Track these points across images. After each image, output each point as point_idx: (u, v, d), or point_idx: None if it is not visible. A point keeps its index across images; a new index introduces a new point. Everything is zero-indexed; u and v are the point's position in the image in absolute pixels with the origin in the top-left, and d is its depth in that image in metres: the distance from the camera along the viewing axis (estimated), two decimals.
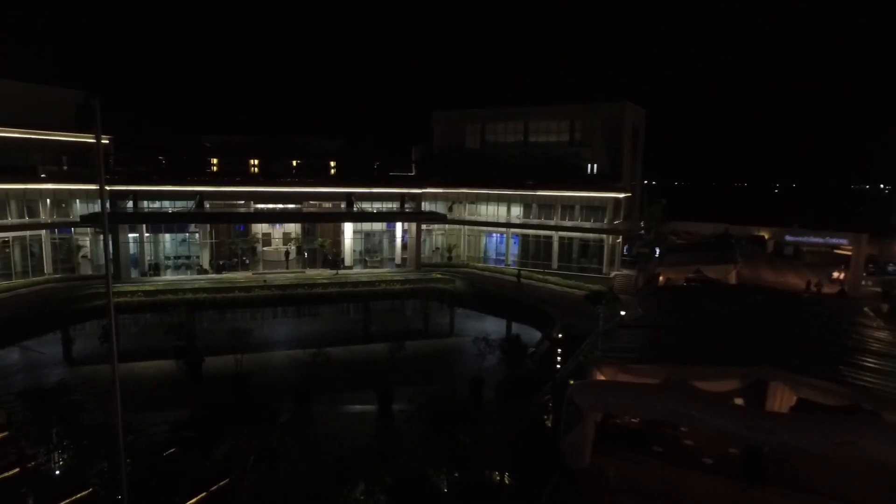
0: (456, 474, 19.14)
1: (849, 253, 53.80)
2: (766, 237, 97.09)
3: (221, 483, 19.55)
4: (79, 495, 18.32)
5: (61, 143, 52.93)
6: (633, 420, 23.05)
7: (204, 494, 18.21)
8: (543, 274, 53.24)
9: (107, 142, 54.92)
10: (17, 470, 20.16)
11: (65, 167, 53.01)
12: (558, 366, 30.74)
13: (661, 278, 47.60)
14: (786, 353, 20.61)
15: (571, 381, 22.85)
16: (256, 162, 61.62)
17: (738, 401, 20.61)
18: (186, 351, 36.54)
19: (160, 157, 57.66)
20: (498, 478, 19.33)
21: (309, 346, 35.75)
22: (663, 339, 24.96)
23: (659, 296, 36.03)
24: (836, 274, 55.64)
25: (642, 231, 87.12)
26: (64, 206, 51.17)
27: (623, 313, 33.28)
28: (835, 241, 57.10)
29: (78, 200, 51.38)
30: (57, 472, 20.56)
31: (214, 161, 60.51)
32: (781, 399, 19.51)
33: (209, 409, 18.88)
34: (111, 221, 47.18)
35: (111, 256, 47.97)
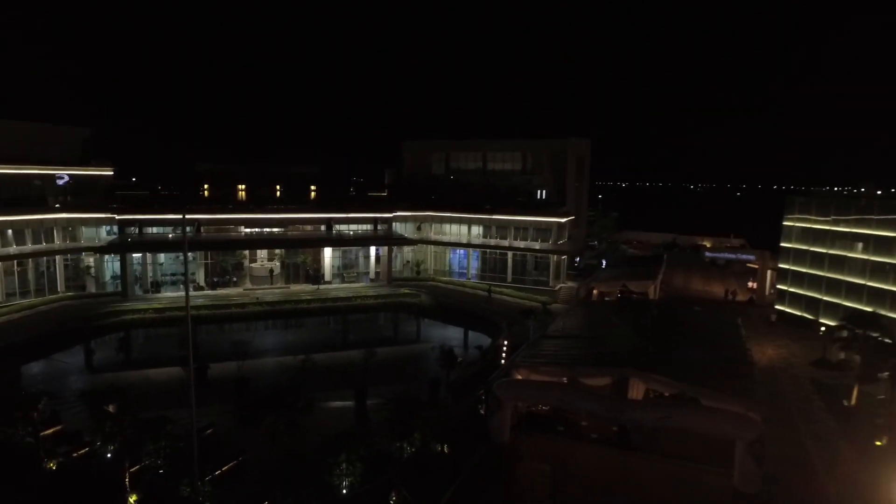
0: (412, 448, 27.09)
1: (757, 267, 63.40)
2: (708, 245, 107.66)
3: (239, 458, 27.29)
4: (135, 468, 25.54)
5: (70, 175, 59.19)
6: (543, 408, 31.31)
7: (234, 462, 25.85)
8: (500, 287, 61.55)
9: (110, 173, 61.41)
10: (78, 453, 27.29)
11: (68, 197, 59.19)
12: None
13: (594, 292, 56.22)
14: (644, 356, 29.13)
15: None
16: (244, 187, 68.54)
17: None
18: (193, 358, 43.65)
19: (159, 187, 64.21)
20: (440, 448, 27.34)
21: (296, 353, 43.40)
22: (570, 347, 33.31)
23: (582, 310, 44.45)
24: (750, 283, 65.27)
25: (594, 243, 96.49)
26: (71, 229, 57.52)
27: (561, 323, 41.55)
28: (745, 256, 66.68)
29: (83, 227, 57.78)
30: (108, 455, 27.62)
31: (206, 186, 67.24)
32: (637, 390, 28.00)
33: (254, 399, 26.90)
34: (127, 249, 53.90)
35: (136, 277, 54.57)
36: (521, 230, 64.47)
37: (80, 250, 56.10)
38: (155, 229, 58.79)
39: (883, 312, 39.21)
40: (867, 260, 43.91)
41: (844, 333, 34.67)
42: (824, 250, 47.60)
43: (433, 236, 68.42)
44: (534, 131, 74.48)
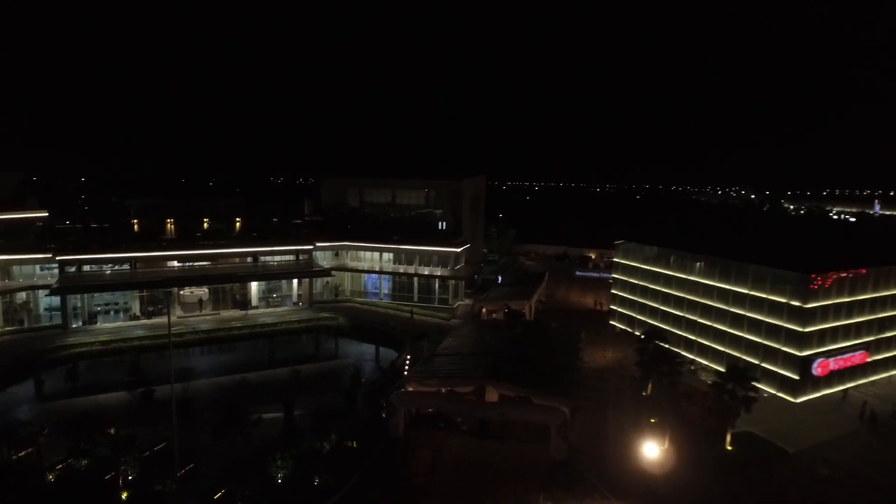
0: (329, 446, 37.16)
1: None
2: (593, 257, 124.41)
3: (190, 466, 36.13)
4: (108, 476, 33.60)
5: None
6: (429, 410, 42.39)
7: (190, 466, 34.78)
8: (409, 305, 72.21)
9: (45, 214, 65.97)
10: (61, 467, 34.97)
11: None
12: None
13: (483, 310, 68.51)
14: (497, 369, 40.94)
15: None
16: (172, 220, 74.71)
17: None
18: (137, 384, 50.89)
19: (93, 225, 69.16)
20: (351, 444, 37.68)
21: (231, 374, 51.75)
22: (449, 363, 44.66)
23: (467, 329, 56.21)
24: None
25: (494, 257, 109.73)
26: (8, 269, 61.94)
27: (449, 341, 52.75)
28: (605, 275, 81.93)
29: (21, 266, 62.39)
30: (81, 470, 35.32)
31: (135, 221, 72.86)
32: (492, 394, 39.74)
33: (221, 417, 35.99)
34: (72, 291, 59.40)
35: (91, 314, 59.88)
36: (425, 257, 75.68)
37: (21, 289, 60.78)
38: (91, 266, 64.30)
39: (667, 328, 54.29)
40: (661, 290, 58.90)
41: (644, 341, 48.49)
42: (636, 282, 62.52)
43: (350, 263, 78.11)
44: (436, 172, 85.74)
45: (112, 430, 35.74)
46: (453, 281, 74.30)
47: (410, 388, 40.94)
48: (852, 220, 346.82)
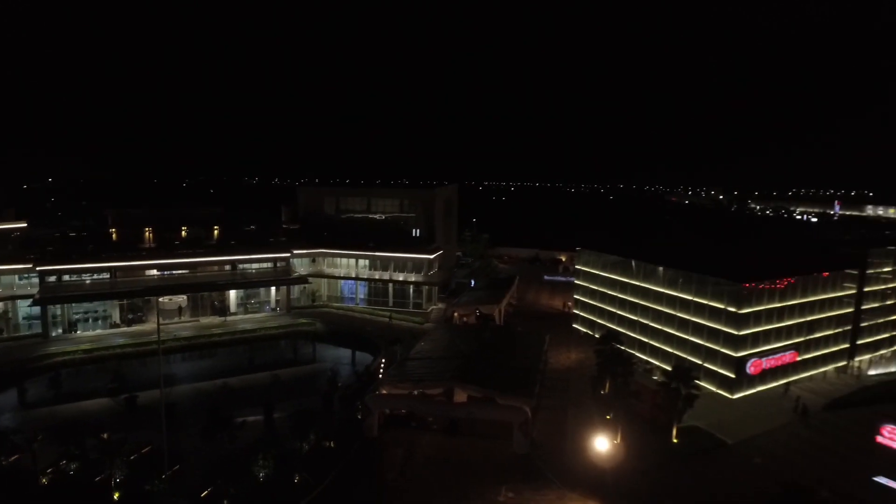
0: (307, 446, 39.90)
1: None
2: (563, 259, 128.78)
3: (176, 467, 38.45)
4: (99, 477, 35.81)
5: None
6: (402, 411, 45.39)
7: (177, 467, 37.16)
8: (385, 309, 75.20)
9: (24, 224, 66.97)
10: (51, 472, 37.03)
11: None
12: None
13: (455, 315, 71.71)
14: (464, 372, 44.17)
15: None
16: (151, 229, 76.23)
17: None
18: (120, 390, 52.78)
19: (72, 234, 70.33)
20: (328, 444, 40.49)
21: (212, 379, 53.83)
22: (421, 367, 47.71)
23: (439, 333, 59.34)
24: None
25: (467, 260, 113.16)
26: None
27: (421, 345, 55.74)
28: (573, 279, 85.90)
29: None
30: (71, 473, 37.40)
31: (113, 230, 74.20)
32: (460, 395, 42.94)
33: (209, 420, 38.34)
34: (54, 301, 60.75)
35: (71, 322, 61.21)
36: (400, 263, 78.61)
37: (1, 299, 61.85)
38: (71, 276, 65.62)
39: (623, 331, 58.36)
40: (617, 296, 62.90)
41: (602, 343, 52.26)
42: (595, 287, 66.53)
43: (326, 270, 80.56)
44: (412, 180, 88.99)
45: (105, 435, 37.77)
46: (427, 286, 77.35)
47: (384, 391, 43.89)
48: (814, 219, 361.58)
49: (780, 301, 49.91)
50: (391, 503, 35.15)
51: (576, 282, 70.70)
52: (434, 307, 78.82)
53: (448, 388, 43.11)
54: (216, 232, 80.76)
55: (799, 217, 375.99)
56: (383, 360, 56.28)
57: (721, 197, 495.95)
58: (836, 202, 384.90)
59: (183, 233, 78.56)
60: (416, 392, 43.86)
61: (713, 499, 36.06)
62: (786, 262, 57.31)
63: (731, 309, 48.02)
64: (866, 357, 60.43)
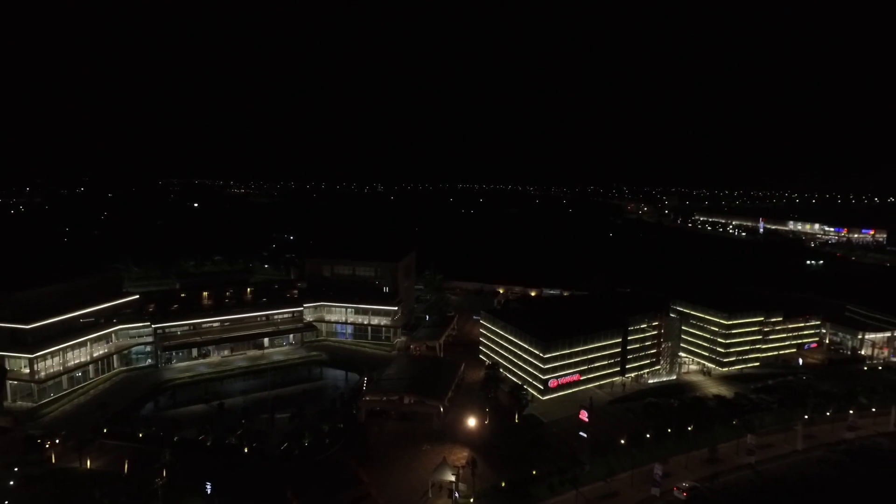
0: (326, 427, 79.30)
1: None
2: (501, 291, 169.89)
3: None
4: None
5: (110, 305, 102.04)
6: (378, 408, 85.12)
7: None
8: (365, 342, 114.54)
9: (137, 297, 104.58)
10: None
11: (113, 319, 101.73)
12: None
13: (411, 346, 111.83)
14: (411, 385, 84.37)
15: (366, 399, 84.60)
16: (208, 294, 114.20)
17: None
18: (212, 399, 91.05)
19: (175, 305, 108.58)
20: (339, 426, 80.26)
21: (256, 392, 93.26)
22: (388, 384, 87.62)
23: (402, 360, 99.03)
24: None
25: (427, 295, 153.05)
26: (123, 332, 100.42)
27: (389, 369, 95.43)
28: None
29: (130, 331, 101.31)
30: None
31: (183, 295, 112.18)
32: (408, 399, 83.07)
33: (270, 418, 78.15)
34: (175, 347, 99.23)
35: (168, 357, 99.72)
36: (374, 311, 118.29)
37: (131, 346, 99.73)
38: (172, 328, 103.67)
39: (498, 359, 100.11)
40: (495, 339, 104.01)
41: (488, 368, 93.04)
42: (488, 334, 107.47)
43: (325, 316, 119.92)
44: (382, 254, 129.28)
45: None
46: (393, 328, 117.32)
47: (367, 398, 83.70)
48: (744, 234, 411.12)
49: (570, 348, 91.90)
50: (372, 452, 74.91)
51: (481, 331, 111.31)
52: (398, 340, 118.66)
53: (401, 395, 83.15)
54: (249, 291, 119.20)
55: (732, 231, 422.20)
56: (366, 379, 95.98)
57: (667, 211, 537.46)
58: (760, 219, 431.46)
59: (227, 294, 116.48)
60: (384, 398, 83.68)
61: (531, 447, 76.46)
62: (580, 323, 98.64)
63: (538, 352, 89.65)
64: (634, 374, 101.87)
